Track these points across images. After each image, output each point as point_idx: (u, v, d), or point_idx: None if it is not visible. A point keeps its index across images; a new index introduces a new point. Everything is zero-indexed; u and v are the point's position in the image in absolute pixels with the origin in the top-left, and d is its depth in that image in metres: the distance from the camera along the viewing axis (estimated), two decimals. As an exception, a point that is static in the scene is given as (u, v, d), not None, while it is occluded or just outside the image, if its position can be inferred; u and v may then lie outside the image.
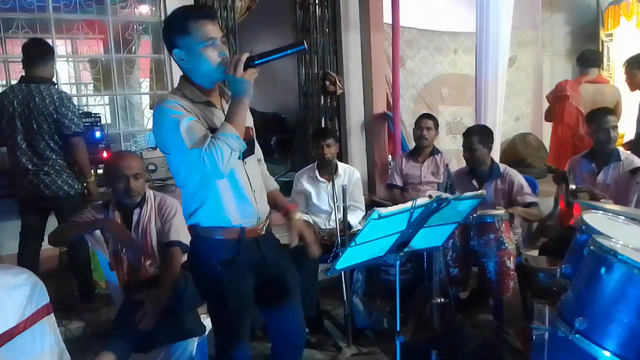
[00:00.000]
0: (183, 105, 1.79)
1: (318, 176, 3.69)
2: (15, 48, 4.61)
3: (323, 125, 5.60)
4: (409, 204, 1.57)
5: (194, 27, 1.78)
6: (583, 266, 1.73)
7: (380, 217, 1.47)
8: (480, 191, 1.86)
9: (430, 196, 1.60)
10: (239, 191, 1.89)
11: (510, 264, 2.81)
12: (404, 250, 1.78)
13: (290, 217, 2.06)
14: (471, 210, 1.83)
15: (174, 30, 1.82)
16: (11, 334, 1.96)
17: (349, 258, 1.68)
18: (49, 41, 3.86)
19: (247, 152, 1.90)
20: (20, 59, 3.51)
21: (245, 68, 1.75)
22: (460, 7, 6.05)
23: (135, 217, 2.68)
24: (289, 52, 1.82)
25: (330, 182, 3.50)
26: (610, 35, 7.04)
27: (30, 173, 3.39)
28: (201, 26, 1.78)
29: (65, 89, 5.87)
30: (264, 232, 2.00)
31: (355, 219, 3.62)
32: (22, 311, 2.02)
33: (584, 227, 2.04)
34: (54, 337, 2.17)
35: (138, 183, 2.63)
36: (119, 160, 2.66)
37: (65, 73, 6.44)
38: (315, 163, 3.72)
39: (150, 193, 2.77)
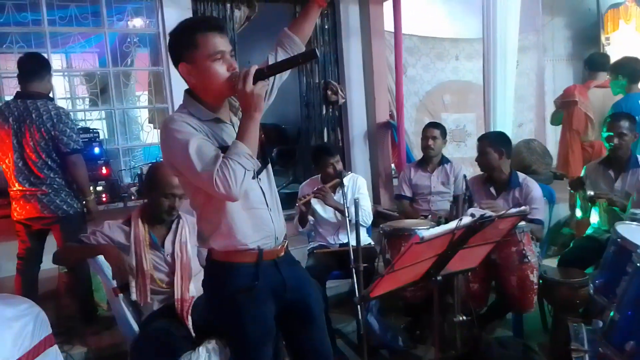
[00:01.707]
0: (191, 124, 1.67)
1: None
2: (9, 63, 4.49)
3: (325, 136, 5.51)
4: (452, 225, 1.44)
5: (201, 40, 1.66)
6: (630, 285, 1.61)
7: (422, 240, 1.36)
8: (523, 207, 1.75)
9: (472, 215, 1.49)
10: (254, 212, 1.77)
11: (534, 277, 2.69)
12: (440, 273, 1.66)
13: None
14: (512, 228, 1.72)
15: (180, 44, 1.70)
16: (13, 368, 1.83)
17: (385, 285, 1.56)
18: (45, 55, 3.73)
19: (260, 168, 1.78)
20: (14, 74, 3.39)
21: (255, 81, 1.63)
22: (461, 13, 6.00)
23: (173, 227, 2.58)
24: (300, 61, 1.71)
25: (337, 193, 3.39)
26: (609, 38, 7.00)
27: (27, 193, 3.25)
28: (209, 39, 1.67)
29: (61, 103, 5.75)
30: (282, 254, 1.87)
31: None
32: (24, 344, 1.89)
33: (618, 239, 1.92)
34: None
35: (180, 203, 2.54)
36: (169, 177, 2.48)
37: (61, 88, 6.33)
38: (319, 176, 3.58)
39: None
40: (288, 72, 1.89)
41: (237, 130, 1.73)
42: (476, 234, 1.57)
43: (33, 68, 3.29)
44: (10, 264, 3.47)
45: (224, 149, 1.65)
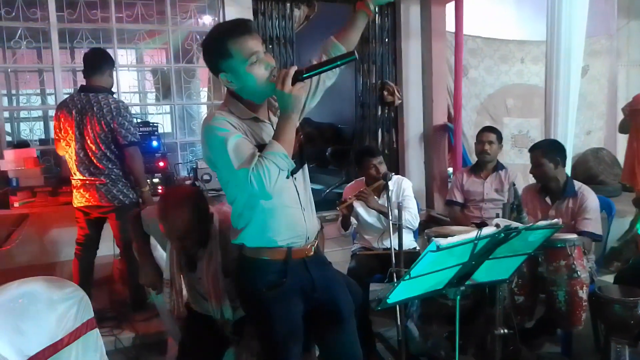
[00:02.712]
0: (231, 122, 1.70)
1: None
2: (80, 58, 4.74)
3: (380, 137, 5.47)
4: (472, 234, 1.39)
5: (234, 47, 1.68)
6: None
7: (438, 248, 1.31)
8: (555, 220, 1.66)
9: (497, 225, 1.43)
10: (287, 210, 1.79)
11: (583, 294, 2.55)
12: (466, 283, 1.60)
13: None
14: (546, 241, 1.63)
15: (216, 55, 1.72)
16: (55, 347, 1.93)
17: (403, 291, 1.52)
18: (111, 51, 3.91)
19: (296, 168, 1.79)
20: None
21: (294, 82, 1.65)
22: (529, 14, 5.77)
23: (198, 262, 2.25)
24: (338, 63, 1.71)
25: (381, 197, 3.35)
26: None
27: (87, 182, 3.42)
28: (241, 44, 1.68)
29: (128, 97, 6.01)
30: (312, 253, 1.88)
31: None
32: (67, 325, 1.98)
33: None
34: (98, 353, 2.12)
35: (188, 243, 2.13)
36: (166, 216, 2.07)
37: (129, 82, 6.62)
38: (364, 179, 3.53)
39: (215, 223, 2.18)
40: (333, 78, 1.91)
41: (274, 129, 1.75)
42: (502, 244, 1.51)
43: (94, 63, 3.45)
44: (71, 249, 3.65)
45: (262, 147, 1.68)
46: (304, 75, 1.68)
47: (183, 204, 2.04)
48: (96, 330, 2.10)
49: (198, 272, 2.26)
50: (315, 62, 1.87)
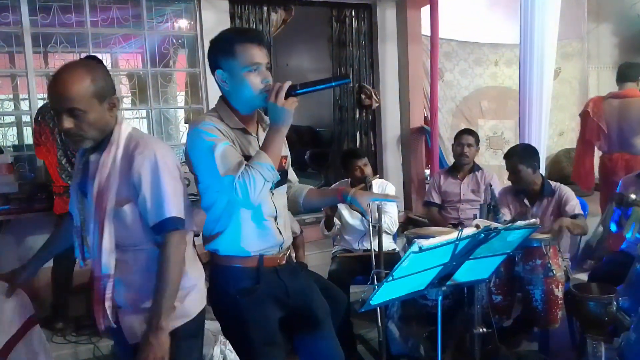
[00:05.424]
0: (219, 128, 1.72)
1: None
2: (54, 62, 4.67)
3: (358, 140, 5.51)
4: (453, 235, 1.42)
5: (239, 50, 1.71)
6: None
7: (420, 250, 1.34)
8: (533, 220, 1.71)
9: (477, 226, 1.46)
10: (262, 223, 1.81)
11: (559, 292, 2.62)
12: (447, 284, 1.64)
13: (354, 194, 1.92)
14: (523, 241, 1.68)
15: (219, 51, 1.75)
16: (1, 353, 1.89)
17: (386, 293, 1.55)
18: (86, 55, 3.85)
19: (279, 183, 1.82)
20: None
21: (287, 96, 1.68)
22: (502, 18, 5.88)
23: (91, 166, 1.67)
24: (332, 84, 1.77)
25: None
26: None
27: (68, 189, 3.36)
28: (247, 50, 1.72)
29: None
30: (284, 262, 1.89)
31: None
32: (9, 326, 1.95)
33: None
34: (43, 349, 2.06)
35: (77, 122, 1.59)
36: (52, 86, 1.59)
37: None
38: (349, 180, 3.57)
39: (122, 132, 1.70)
40: None
41: (261, 143, 1.78)
42: (482, 245, 1.54)
43: None
44: (48, 256, 3.58)
45: (247, 159, 1.70)
46: (298, 92, 1.70)
47: (80, 69, 1.60)
48: (37, 327, 2.07)
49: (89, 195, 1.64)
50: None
